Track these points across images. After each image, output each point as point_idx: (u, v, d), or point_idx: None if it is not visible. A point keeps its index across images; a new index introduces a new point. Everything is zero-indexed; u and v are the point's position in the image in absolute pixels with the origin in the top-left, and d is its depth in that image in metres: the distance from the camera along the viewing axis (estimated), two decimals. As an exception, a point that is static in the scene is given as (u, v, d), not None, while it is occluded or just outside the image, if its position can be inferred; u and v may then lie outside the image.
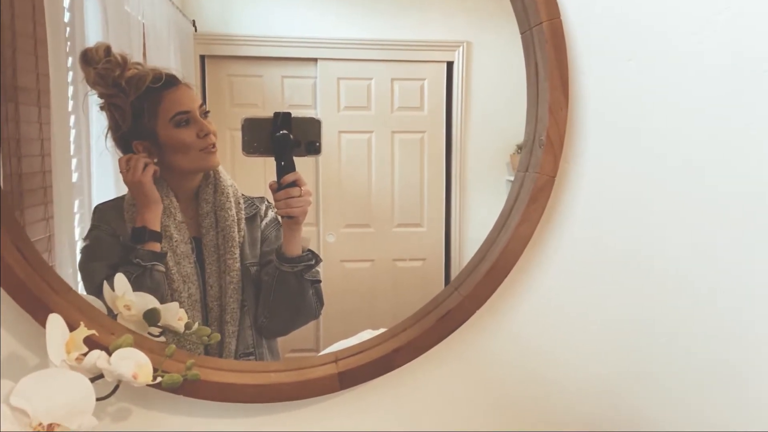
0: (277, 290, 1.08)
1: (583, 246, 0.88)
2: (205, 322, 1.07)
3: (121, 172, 1.02)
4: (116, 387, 0.70)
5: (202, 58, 1.62)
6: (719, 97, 0.88)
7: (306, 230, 1.07)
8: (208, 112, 1.07)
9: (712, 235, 0.91)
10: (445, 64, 1.74)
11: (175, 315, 0.83)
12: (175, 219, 1.05)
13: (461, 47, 1.75)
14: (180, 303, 1.01)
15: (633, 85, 0.86)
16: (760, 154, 0.89)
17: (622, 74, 0.85)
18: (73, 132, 1.27)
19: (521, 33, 0.84)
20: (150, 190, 1.01)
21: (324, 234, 1.68)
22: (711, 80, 0.87)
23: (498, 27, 1.70)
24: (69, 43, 1.26)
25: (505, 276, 0.82)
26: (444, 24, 1.75)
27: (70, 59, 1.26)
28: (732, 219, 0.91)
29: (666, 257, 0.90)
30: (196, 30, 1.63)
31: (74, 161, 1.28)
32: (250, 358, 1.10)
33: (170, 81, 1.05)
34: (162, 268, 1.01)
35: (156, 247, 1.01)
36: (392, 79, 1.71)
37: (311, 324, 1.21)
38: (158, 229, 1.02)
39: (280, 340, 1.19)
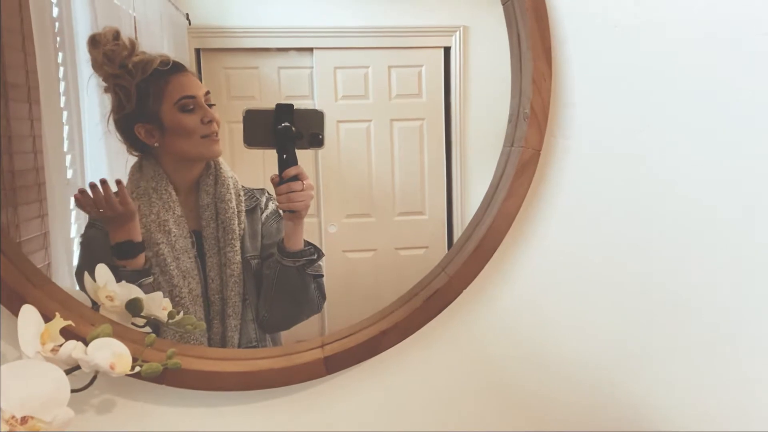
0: (278, 285, 1.07)
1: (571, 222, 0.86)
2: (207, 315, 1.06)
3: (86, 210, 0.98)
4: (94, 378, 0.69)
5: (197, 51, 1.60)
6: (711, 63, 0.85)
7: (307, 221, 1.05)
8: (213, 105, 1.07)
9: (707, 213, 0.88)
10: (442, 50, 1.71)
11: (159, 305, 0.83)
12: (174, 213, 1.04)
13: (458, 32, 1.72)
14: (181, 299, 1.00)
15: (619, 53, 0.83)
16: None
17: (608, 42, 0.83)
18: (66, 128, 1.26)
19: (503, 4, 0.82)
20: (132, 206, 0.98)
21: (325, 225, 1.66)
22: (701, 46, 0.84)
23: (494, 10, 1.67)
24: (59, 38, 1.25)
25: (492, 254, 0.80)
26: (440, 9, 1.72)
27: (60, 55, 1.25)
28: (735, 194, 0.88)
29: (659, 234, 0.88)
30: (189, 23, 1.62)
31: (68, 158, 1.27)
32: (254, 351, 1.09)
33: (178, 67, 1.06)
34: (150, 279, 0.98)
35: (140, 260, 0.98)
36: (389, 67, 1.69)
37: (316, 314, 1.20)
38: (139, 239, 0.99)
39: (284, 332, 1.17)
